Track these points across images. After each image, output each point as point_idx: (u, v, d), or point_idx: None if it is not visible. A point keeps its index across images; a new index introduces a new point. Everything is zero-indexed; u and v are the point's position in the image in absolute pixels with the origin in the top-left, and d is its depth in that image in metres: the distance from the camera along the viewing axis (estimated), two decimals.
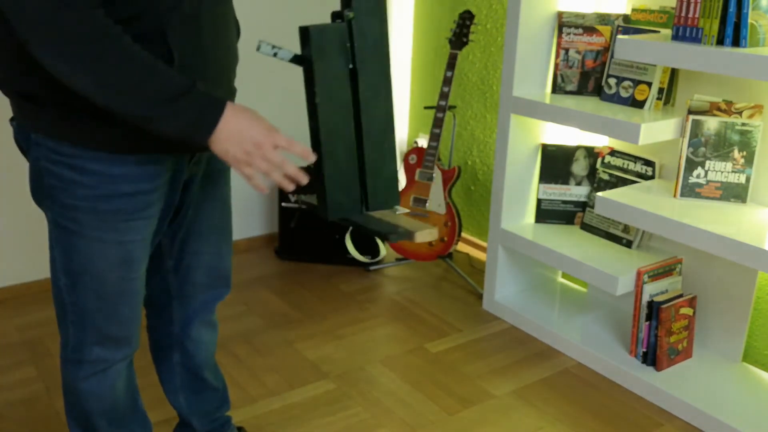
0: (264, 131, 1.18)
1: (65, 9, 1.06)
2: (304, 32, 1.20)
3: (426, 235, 1.26)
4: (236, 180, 3.03)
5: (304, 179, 1.21)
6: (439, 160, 2.81)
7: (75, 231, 1.27)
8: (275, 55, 1.21)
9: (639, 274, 2.18)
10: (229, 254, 1.58)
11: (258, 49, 1.21)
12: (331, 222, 1.24)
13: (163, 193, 1.33)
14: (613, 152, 2.42)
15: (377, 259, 1.30)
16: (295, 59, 1.22)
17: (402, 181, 3.46)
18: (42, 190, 1.27)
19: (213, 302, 1.60)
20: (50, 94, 1.18)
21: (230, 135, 1.17)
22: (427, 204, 2.80)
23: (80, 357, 1.38)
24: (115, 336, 1.38)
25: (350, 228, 1.28)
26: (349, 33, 1.23)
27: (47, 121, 1.21)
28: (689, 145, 2.09)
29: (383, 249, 1.38)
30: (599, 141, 2.54)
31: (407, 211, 1.40)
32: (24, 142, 1.27)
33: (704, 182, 2.10)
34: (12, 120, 1.28)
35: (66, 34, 1.07)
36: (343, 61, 1.23)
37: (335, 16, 1.24)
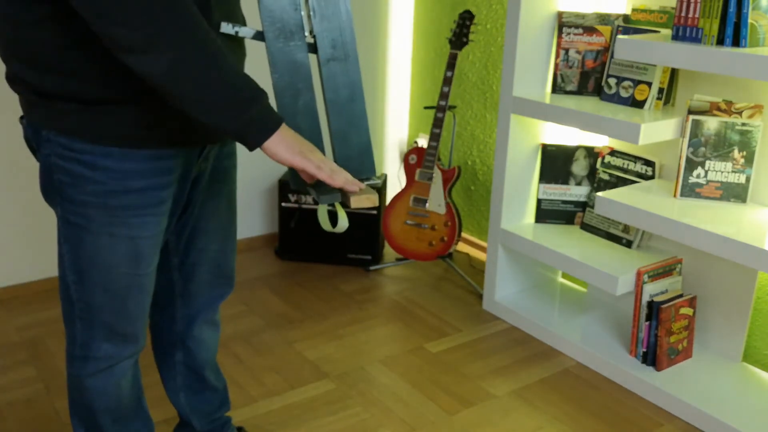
0: (310, 146, 1.20)
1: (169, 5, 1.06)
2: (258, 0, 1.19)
3: (363, 200, 1.20)
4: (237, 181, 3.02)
5: (355, 186, 1.20)
6: (439, 160, 2.81)
7: (84, 227, 1.27)
8: (237, 33, 1.20)
9: (639, 274, 2.18)
10: (233, 253, 1.58)
11: (219, 28, 1.20)
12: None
13: (174, 189, 1.33)
14: (613, 152, 2.42)
15: (338, 230, 1.29)
16: (257, 36, 1.20)
17: (402, 181, 3.46)
18: (52, 187, 1.27)
19: (216, 301, 1.60)
20: (62, 91, 1.18)
21: (281, 142, 1.17)
22: (427, 204, 2.80)
23: (87, 353, 1.38)
24: (123, 332, 1.38)
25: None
26: (305, 1, 1.19)
27: (58, 117, 1.21)
28: (689, 145, 2.09)
29: (343, 220, 1.34)
30: (599, 141, 2.54)
31: (377, 182, 1.35)
32: (34, 140, 1.27)
33: (704, 182, 2.10)
34: (22, 118, 1.29)
35: (172, 27, 1.07)
36: (301, 31, 1.20)
37: None
